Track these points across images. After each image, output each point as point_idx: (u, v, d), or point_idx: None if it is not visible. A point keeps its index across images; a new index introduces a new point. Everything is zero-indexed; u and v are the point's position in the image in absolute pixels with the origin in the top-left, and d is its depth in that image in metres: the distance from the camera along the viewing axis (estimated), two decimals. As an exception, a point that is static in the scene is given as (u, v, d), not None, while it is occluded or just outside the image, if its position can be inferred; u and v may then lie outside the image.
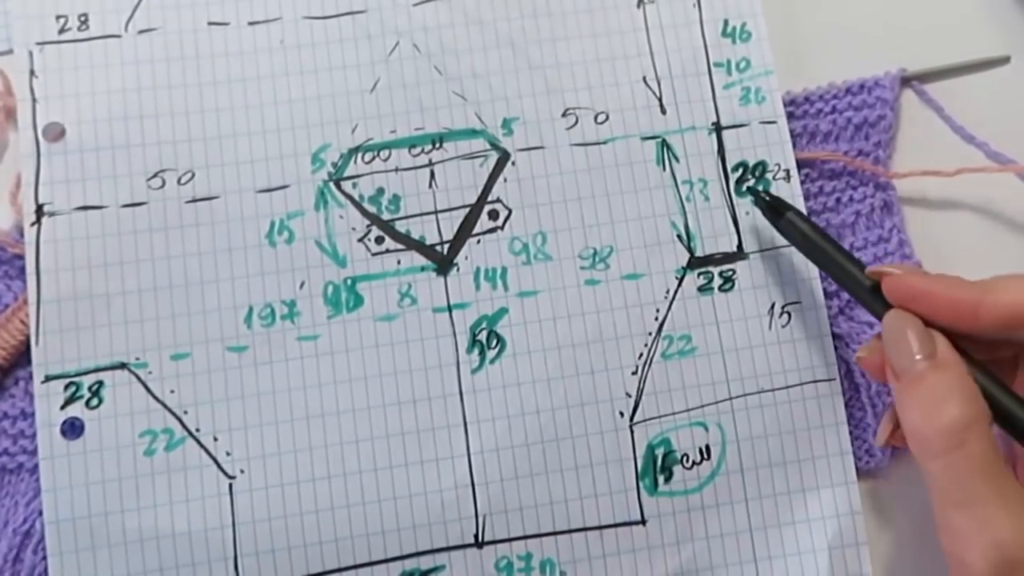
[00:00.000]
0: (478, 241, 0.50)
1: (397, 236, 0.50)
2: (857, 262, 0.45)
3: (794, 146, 0.52)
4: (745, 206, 0.51)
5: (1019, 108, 0.55)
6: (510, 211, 0.50)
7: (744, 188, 0.51)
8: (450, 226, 0.50)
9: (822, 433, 0.49)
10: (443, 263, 0.49)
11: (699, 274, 0.50)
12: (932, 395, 0.39)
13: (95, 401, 0.47)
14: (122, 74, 0.50)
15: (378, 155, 0.50)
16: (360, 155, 0.50)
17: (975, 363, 0.41)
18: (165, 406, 0.47)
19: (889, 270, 0.43)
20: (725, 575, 0.48)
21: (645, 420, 0.49)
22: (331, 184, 0.50)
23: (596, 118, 0.51)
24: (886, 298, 0.43)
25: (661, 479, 0.48)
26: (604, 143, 0.51)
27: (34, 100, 0.49)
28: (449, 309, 0.49)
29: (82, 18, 0.50)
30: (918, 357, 0.40)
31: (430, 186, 0.50)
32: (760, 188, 0.51)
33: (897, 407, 0.41)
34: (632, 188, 0.51)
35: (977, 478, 0.38)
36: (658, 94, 0.52)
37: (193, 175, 0.49)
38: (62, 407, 0.47)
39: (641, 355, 0.49)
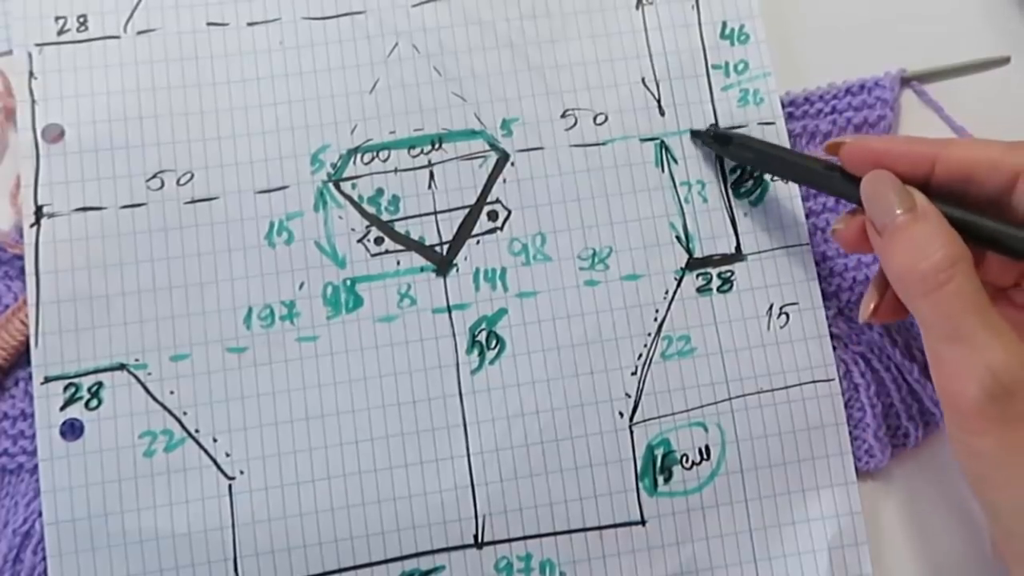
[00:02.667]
0: (477, 242, 0.50)
1: (396, 237, 0.50)
2: (812, 156, 0.48)
3: (794, 146, 0.52)
4: (744, 207, 0.51)
5: (1019, 108, 0.55)
6: (509, 212, 0.50)
7: (690, 132, 0.52)
8: (449, 227, 0.50)
9: (822, 433, 0.49)
10: (442, 264, 0.49)
11: (698, 275, 0.50)
12: (916, 240, 0.41)
13: (95, 402, 0.47)
14: (121, 75, 0.50)
15: (377, 156, 0.50)
16: (359, 156, 0.50)
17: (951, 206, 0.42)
18: (164, 407, 0.47)
19: (842, 139, 0.45)
20: (725, 575, 0.48)
21: (644, 420, 0.49)
22: (330, 185, 0.50)
23: (595, 119, 0.52)
24: (848, 170, 0.45)
25: (661, 479, 0.48)
26: (603, 144, 0.51)
27: (33, 101, 0.49)
28: (448, 310, 0.49)
29: (81, 19, 0.50)
30: (898, 211, 0.42)
31: (429, 187, 0.50)
32: (699, 129, 0.52)
33: (882, 260, 0.43)
34: (631, 189, 0.51)
35: (966, 311, 0.39)
36: (657, 95, 0.52)
37: (192, 176, 0.49)
38: (62, 408, 0.47)
39: (640, 356, 0.49)
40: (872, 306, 0.45)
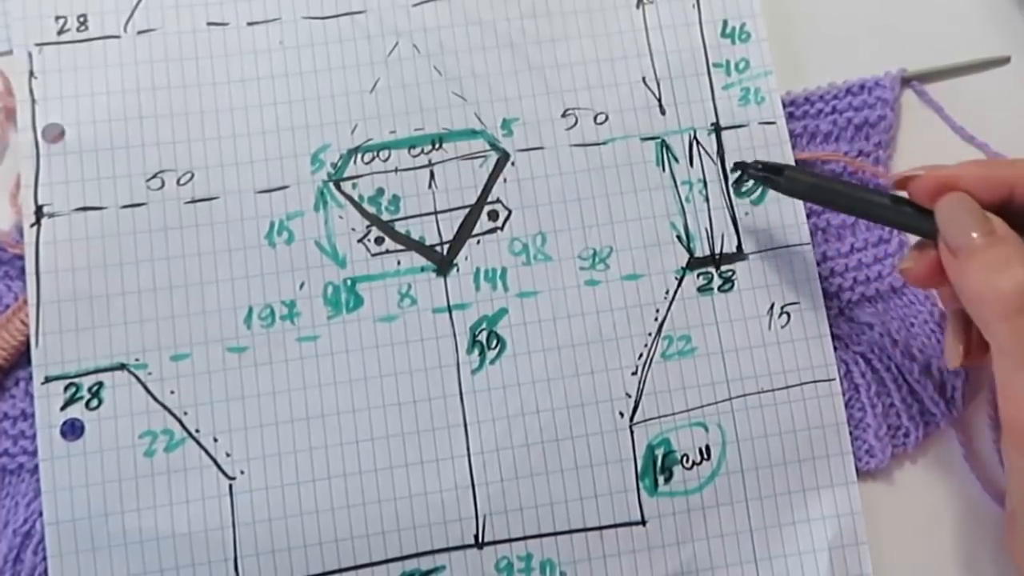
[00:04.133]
0: (478, 242, 0.50)
1: (397, 237, 0.50)
2: (872, 189, 0.45)
3: (794, 147, 0.52)
4: (745, 207, 0.51)
5: (1019, 108, 0.55)
6: (510, 212, 0.50)
7: (734, 164, 0.51)
8: (450, 227, 0.50)
9: (822, 433, 0.49)
10: (443, 264, 0.49)
11: (699, 274, 0.50)
12: (995, 261, 0.39)
13: (95, 402, 0.47)
14: (121, 75, 0.50)
15: (378, 155, 0.50)
16: (360, 155, 0.50)
17: None
18: (165, 407, 0.47)
19: (912, 173, 0.43)
20: (725, 575, 0.48)
21: (645, 420, 0.49)
22: (331, 184, 0.50)
23: (596, 119, 0.51)
24: (918, 202, 0.43)
25: (661, 479, 0.48)
26: (604, 144, 0.51)
27: (33, 101, 0.49)
28: (449, 310, 0.49)
29: (81, 19, 0.50)
30: (975, 234, 0.40)
31: (430, 186, 0.50)
32: (747, 161, 0.50)
33: (957, 283, 0.41)
34: (632, 189, 0.51)
35: None
36: (657, 95, 0.52)
37: (192, 176, 0.49)
38: (62, 408, 0.47)
39: (641, 355, 0.49)
40: (961, 349, 0.44)
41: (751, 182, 0.51)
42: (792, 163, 0.52)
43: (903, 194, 0.44)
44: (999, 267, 0.39)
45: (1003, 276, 0.39)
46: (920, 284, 0.44)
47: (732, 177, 0.52)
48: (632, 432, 0.49)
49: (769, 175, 0.48)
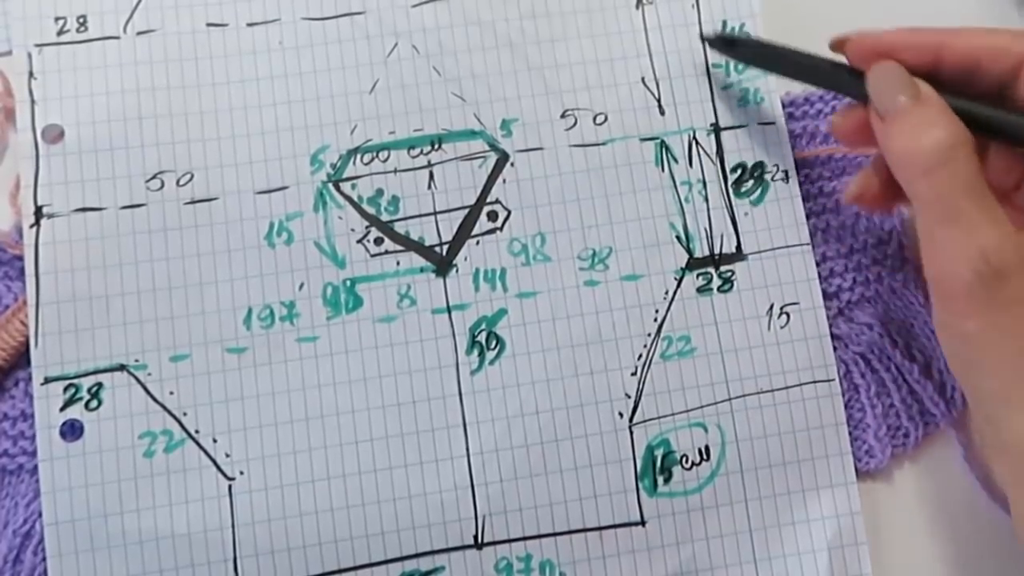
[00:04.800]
0: (477, 242, 0.50)
1: (396, 237, 0.50)
2: (817, 56, 0.48)
3: (794, 147, 0.52)
4: (744, 207, 0.51)
5: (1019, 108, 0.55)
6: (509, 212, 0.50)
7: (702, 36, 0.53)
8: (449, 227, 0.50)
9: (821, 434, 0.49)
10: (442, 264, 0.49)
11: (698, 275, 0.50)
12: (919, 122, 0.41)
13: (94, 403, 0.47)
14: (121, 75, 0.50)
15: (377, 156, 0.50)
16: (359, 156, 0.50)
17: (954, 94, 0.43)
18: (164, 408, 0.47)
19: (847, 35, 0.46)
20: (724, 575, 0.48)
21: (644, 421, 0.49)
22: (330, 185, 0.50)
23: (595, 119, 0.51)
24: (854, 65, 0.46)
25: (660, 480, 0.48)
26: (603, 144, 0.51)
27: (33, 102, 0.49)
28: (448, 310, 0.49)
29: (81, 19, 0.50)
30: (901, 98, 0.42)
31: (429, 187, 0.50)
32: (708, 35, 0.53)
33: (882, 145, 0.43)
34: (631, 189, 0.51)
35: (963, 194, 0.40)
36: (657, 95, 0.52)
37: (192, 176, 0.49)
38: (61, 409, 0.47)
39: (640, 356, 0.49)
40: (858, 189, 0.47)
41: (751, 182, 0.51)
42: (792, 165, 0.52)
43: (841, 59, 0.47)
44: (922, 127, 0.41)
45: (925, 135, 0.41)
46: (846, 141, 0.47)
47: (732, 177, 0.52)
48: (631, 432, 0.49)
49: (723, 43, 0.51)
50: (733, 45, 0.51)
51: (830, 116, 0.50)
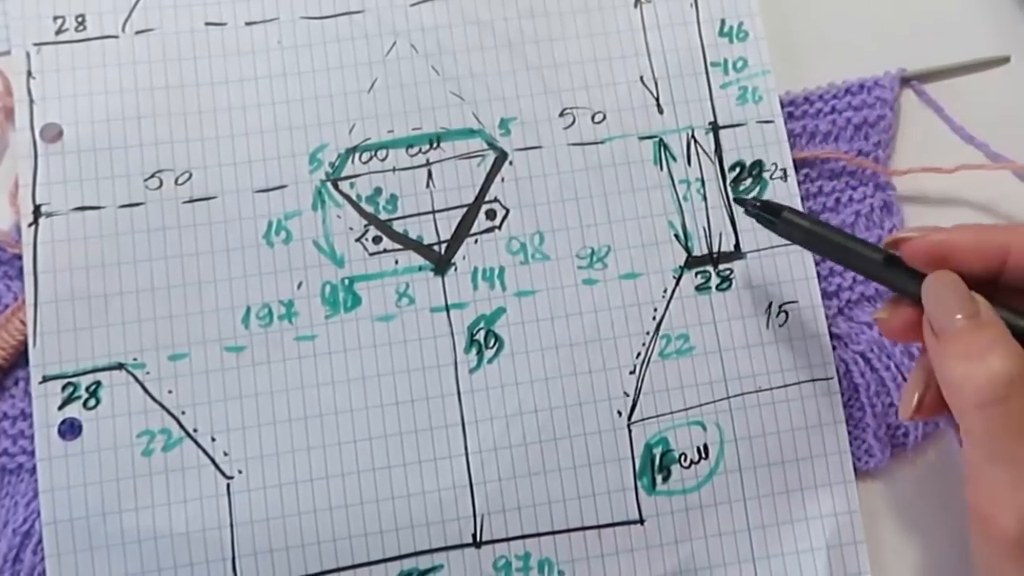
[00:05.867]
0: (476, 241, 0.50)
1: (395, 236, 0.50)
2: (868, 243, 0.44)
3: (793, 147, 0.52)
4: (743, 205, 0.51)
5: (1019, 108, 0.55)
6: (507, 211, 0.50)
7: (733, 198, 0.51)
8: (448, 226, 0.50)
9: (820, 432, 0.49)
10: (441, 263, 0.49)
11: (697, 273, 0.50)
12: (975, 348, 0.38)
13: (93, 402, 0.47)
14: (119, 75, 0.50)
15: (375, 155, 0.50)
16: (357, 155, 0.50)
17: (1018, 313, 0.40)
18: (163, 406, 0.47)
19: (906, 235, 0.42)
20: (723, 574, 0.48)
21: (643, 419, 0.49)
22: (328, 184, 0.50)
23: (593, 118, 0.51)
24: (910, 264, 0.42)
25: (659, 478, 0.48)
26: (601, 143, 0.51)
27: (31, 101, 0.49)
28: (447, 309, 0.49)
29: (79, 19, 0.50)
30: (959, 316, 0.39)
31: (427, 186, 0.50)
32: (748, 196, 0.50)
33: (936, 365, 0.40)
34: (629, 188, 0.51)
35: (1016, 436, 0.37)
36: (655, 94, 0.52)
37: (191, 175, 0.49)
38: (60, 408, 0.47)
39: (639, 354, 0.49)
40: (915, 401, 0.43)
41: (749, 181, 0.51)
42: (790, 163, 0.52)
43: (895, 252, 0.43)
44: (977, 355, 0.38)
45: (980, 365, 0.38)
46: (893, 337, 0.44)
47: (730, 176, 0.51)
48: (630, 431, 0.49)
49: (766, 214, 0.46)
50: (775, 217, 0.46)
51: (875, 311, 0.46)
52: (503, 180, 0.51)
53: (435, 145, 0.51)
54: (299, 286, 0.49)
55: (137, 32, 0.51)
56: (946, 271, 0.41)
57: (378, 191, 0.50)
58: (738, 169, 0.51)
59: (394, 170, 0.50)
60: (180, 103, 0.50)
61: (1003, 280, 0.41)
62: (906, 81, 0.55)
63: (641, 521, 0.48)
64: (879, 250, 0.43)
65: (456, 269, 0.49)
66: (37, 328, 0.47)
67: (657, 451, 0.49)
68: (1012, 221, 0.53)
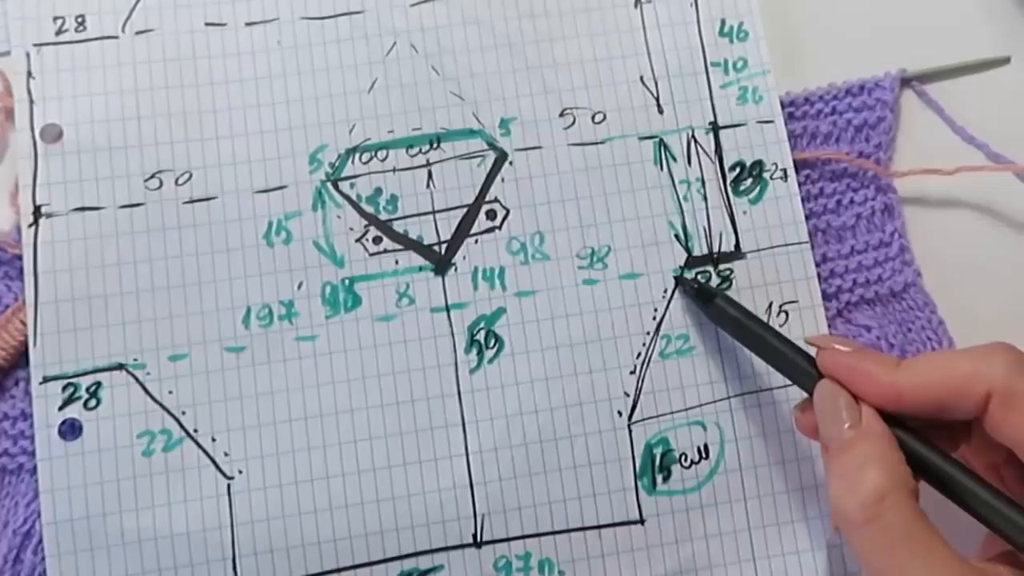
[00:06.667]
0: (476, 241, 0.50)
1: (395, 236, 0.50)
2: (789, 342, 0.45)
3: (794, 147, 0.52)
4: (743, 205, 0.51)
5: (1019, 108, 0.55)
6: (508, 211, 0.50)
7: (672, 278, 0.50)
8: (448, 226, 0.50)
9: (820, 432, 0.49)
10: (441, 263, 0.49)
11: (697, 273, 0.50)
12: (852, 464, 0.39)
13: (93, 402, 0.47)
14: (119, 75, 0.50)
15: (376, 155, 0.50)
16: (358, 155, 0.50)
17: (906, 429, 0.40)
18: (163, 407, 0.47)
19: (824, 343, 0.43)
20: (724, 574, 0.48)
21: (643, 419, 0.49)
22: (329, 184, 0.50)
23: (593, 118, 0.51)
24: (823, 371, 0.42)
25: (659, 478, 0.48)
26: (601, 143, 0.51)
27: (31, 101, 0.49)
28: (447, 309, 0.49)
29: (79, 19, 0.50)
30: (846, 426, 0.40)
31: (428, 186, 0.50)
32: (687, 276, 0.50)
33: (824, 478, 0.41)
34: (629, 188, 0.51)
35: (896, 549, 0.37)
36: (655, 94, 0.52)
37: (191, 176, 0.49)
38: (60, 408, 0.47)
39: (639, 354, 0.49)
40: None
41: (749, 180, 0.51)
42: (791, 163, 0.52)
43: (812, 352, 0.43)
44: (851, 474, 0.38)
45: (853, 484, 0.38)
46: (810, 437, 0.43)
47: (730, 176, 0.51)
48: (630, 431, 0.49)
49: (700, 296, 0.48)
50: (709, 300, 0.48)
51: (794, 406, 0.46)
52: (503, 180, 0.51)
53: (435, 145, 0.51)
54: (299, 286, 0.49)
55: (137, 32, 0.51)
56: (831, 382, 0.41)
57: (378, 191, 0.50)
58: (738, 169, 0.51)
59: (394, 170, 0.50)
60: (180, 103, 0.50)
61: (903, 410, 0.41)
62: (907, 82, 0.55)
63: (641, 521, 0.48)
64: (801, 352, 0.44)
65: (456, 269, 0.49)
66: (37, 328, 0.47)
67: (657, 451, 0.49)
68: (1012, 221, 0.53)
